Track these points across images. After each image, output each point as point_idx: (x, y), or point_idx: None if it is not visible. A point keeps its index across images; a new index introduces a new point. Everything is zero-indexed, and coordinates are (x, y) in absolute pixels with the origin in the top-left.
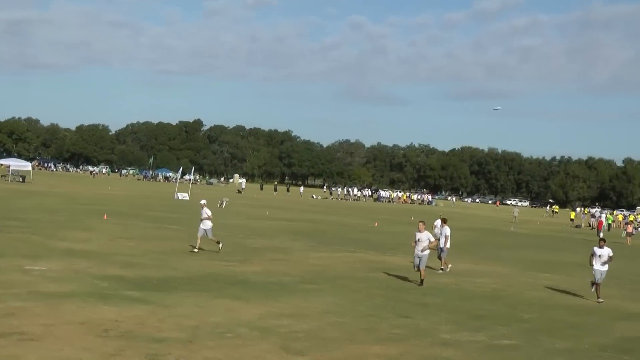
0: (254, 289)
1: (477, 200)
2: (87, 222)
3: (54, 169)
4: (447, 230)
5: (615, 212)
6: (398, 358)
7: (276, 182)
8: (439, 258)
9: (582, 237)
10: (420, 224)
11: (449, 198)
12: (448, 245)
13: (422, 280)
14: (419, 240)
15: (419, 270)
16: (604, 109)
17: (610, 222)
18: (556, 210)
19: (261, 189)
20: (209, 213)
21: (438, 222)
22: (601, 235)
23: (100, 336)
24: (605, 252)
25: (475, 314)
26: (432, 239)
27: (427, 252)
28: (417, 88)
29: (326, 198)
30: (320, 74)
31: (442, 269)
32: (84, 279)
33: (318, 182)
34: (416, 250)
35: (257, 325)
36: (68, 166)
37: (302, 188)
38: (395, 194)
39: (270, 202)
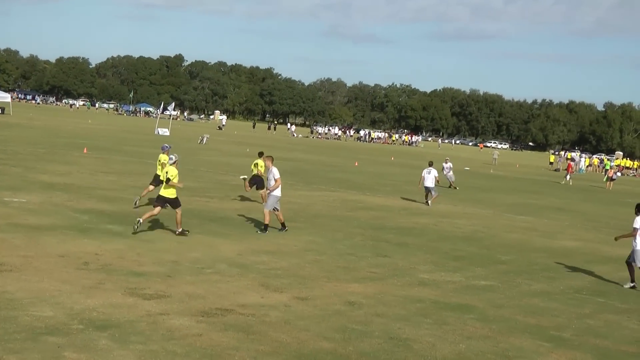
0: (233, 226)
1: (458, 142)
2: (67, 156)
3: (39, 102)
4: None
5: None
6: (376, 296)
7: (275, 122)
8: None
9: (560, 181)
10: (267, 160)
11: (429, 139)
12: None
13: (266, 226)
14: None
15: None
16: (587, 53)
17: (607, 167)
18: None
19: (253, 127)
20: None
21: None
22: (568, 177)
23: (80, 269)
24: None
25: (453, 254)
26: (277, 176)
27: (273, 192)
28: (401, 28)
29: (307, 137)
30: (305, 11)
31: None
32: (63, 212)
33: (299, 120)
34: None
35: (237, 262)
36: (52, 99)
37: (293, 127)
38: (376, 134)
39: (251, 140)
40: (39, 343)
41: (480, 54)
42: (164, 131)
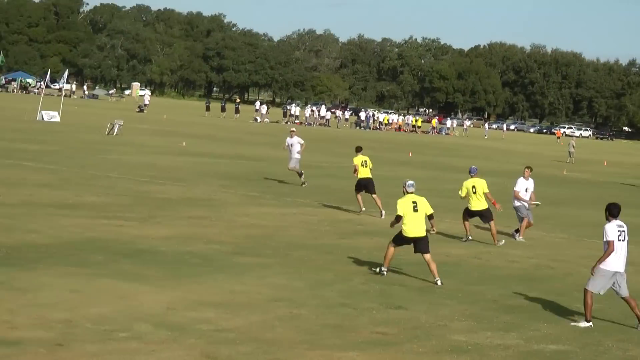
0: (161, 264)
1: (513, 126)
2: None
3: None
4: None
5: None
6: None
7: (238, 99)
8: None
9: None
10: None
11: (469, 123)
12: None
13: None
14: None
15: None
16: None
17: None
18: None
19: (207, 109)
20: None
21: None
22: None
23: None
24: None
25: (504, 304)
26: None
27: None
28: None
29: (277, 122)
30: None
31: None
32: None
33: (265, 96)
34: None
35: (166, 321)
36: None
37: (264, 107)
38: (389, 117)
39: (189, 128)
40: None
41: None
42: (52, 115)
